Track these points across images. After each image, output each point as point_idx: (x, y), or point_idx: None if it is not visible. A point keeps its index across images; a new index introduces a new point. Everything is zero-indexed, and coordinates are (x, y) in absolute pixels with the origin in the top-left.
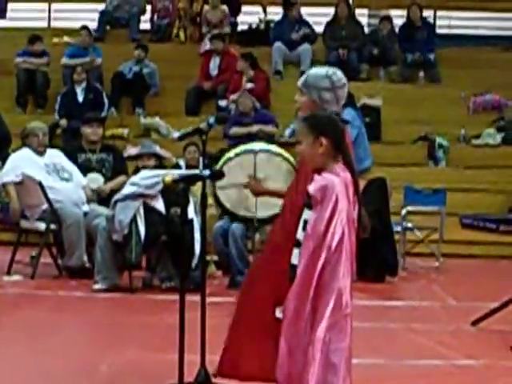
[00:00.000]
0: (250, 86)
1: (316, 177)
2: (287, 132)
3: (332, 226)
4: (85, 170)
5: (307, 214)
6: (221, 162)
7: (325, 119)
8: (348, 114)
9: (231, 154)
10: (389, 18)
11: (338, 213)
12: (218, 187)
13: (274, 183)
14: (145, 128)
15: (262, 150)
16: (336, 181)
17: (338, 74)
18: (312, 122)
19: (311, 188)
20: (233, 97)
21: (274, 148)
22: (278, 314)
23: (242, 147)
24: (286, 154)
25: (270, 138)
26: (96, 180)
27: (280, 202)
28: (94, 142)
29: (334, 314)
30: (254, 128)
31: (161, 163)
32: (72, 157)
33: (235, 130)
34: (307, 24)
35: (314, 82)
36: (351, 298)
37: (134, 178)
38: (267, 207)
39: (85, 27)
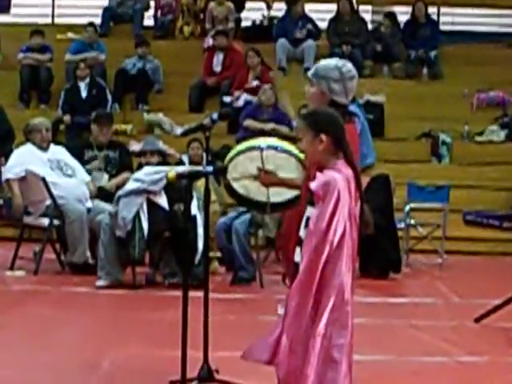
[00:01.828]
0: (255, 83)
1: (317, 173)
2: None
3: (334, 221)
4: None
5: (309, 211)
6: (228, 157)
7: (325, 116)
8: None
9: (236, 150)
10: (392, 15)
11: (340, 209)
12: (232, 179)
13: (285, 174)
14: (148, 124)
15: (269, 146)
16: (337, 177)
17: (348, 66)
18: (312, 119)
19: (313, 185)
20: (236, 93)
21: (280, 145)
22: (280, 310)
23: (246, 144)
24: (295, 151)
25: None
26: (100, 179)
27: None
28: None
29: (336, 309)
30: (268, 126)
31: (164, 159)
32: (77, 152)
33: (249, 123)
34: (311, 20)
35: (323, 73)
36: (352, 295)
37: (138, 174)
38: (280, 193)
39: (91, 24)
